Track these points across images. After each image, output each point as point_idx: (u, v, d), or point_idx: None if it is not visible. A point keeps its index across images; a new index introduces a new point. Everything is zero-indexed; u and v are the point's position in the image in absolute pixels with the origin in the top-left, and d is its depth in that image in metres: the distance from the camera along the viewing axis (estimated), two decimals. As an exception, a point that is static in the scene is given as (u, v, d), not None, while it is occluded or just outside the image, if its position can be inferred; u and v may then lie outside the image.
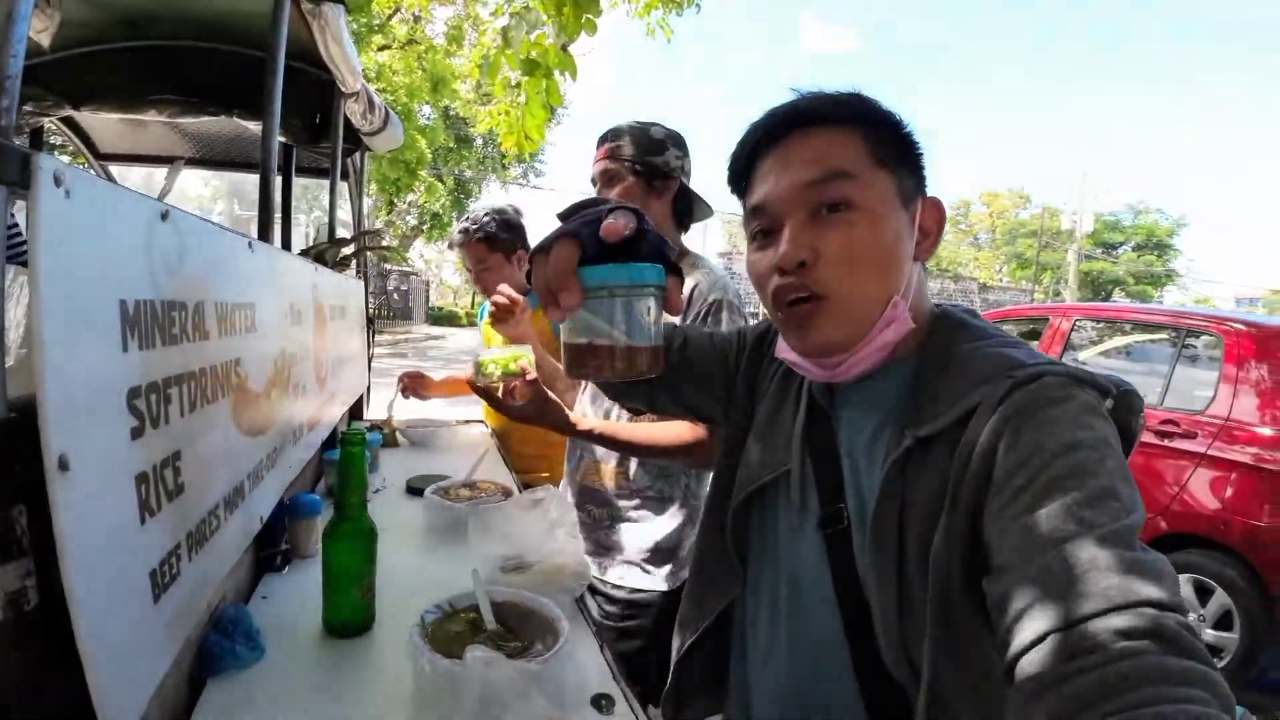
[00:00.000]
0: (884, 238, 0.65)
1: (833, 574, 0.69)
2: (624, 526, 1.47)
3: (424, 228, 21.74)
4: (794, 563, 0.73)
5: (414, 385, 2.43)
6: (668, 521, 1.47)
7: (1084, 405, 0.56)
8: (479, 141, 22.26)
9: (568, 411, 1.35)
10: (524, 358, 1.33)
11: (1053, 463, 0.52)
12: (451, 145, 20.81)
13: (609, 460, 1.50)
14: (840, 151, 0.66)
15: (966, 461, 0.58)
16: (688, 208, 1.53)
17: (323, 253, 1.70)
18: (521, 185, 25.26)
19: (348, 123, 2.20)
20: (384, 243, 1.98)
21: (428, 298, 27.85)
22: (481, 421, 2.50)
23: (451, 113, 19.41)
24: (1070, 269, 28.86)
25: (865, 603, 0.65)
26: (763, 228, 0.70)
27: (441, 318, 28.22)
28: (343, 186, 2.39)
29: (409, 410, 2.59)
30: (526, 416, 1.34)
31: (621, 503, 1.49)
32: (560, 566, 1.11)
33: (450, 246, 2.21)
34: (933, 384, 0.65)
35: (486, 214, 2.12)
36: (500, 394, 1.33)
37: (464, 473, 1.66)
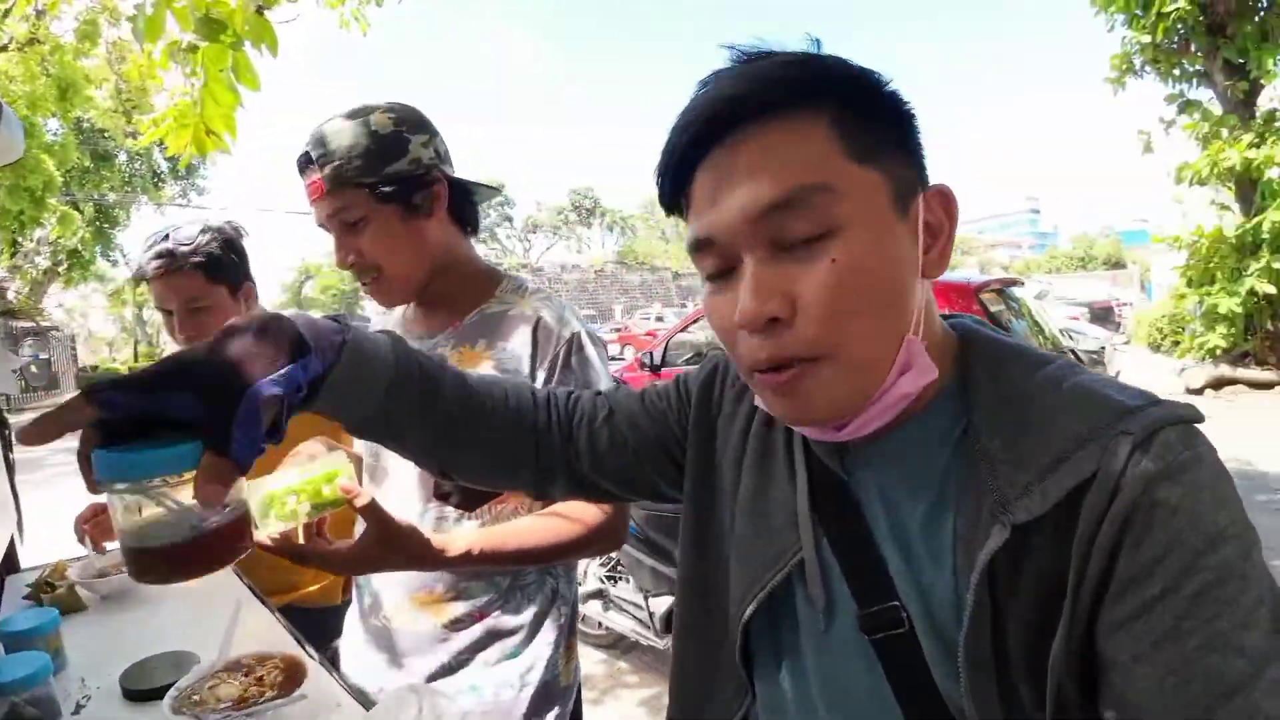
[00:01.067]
0: (882, 265, 0.51)
1: (896, 688, 0.55)
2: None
3: (60, 269, 17.62)
4: (830, 672, 0.59)
5: (106, 527, 1.65)
6: (532, 651, 1.09)
7: (1215, 470, 0.47)
8: (122, 157, 18.64)
9: (425, 534, 0.92)
10: (341, 472, 0.87)
11: (1196, 565, 0.44)
12: (88, 165, 17.22)
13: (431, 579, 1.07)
14: (802, 151, 0.50)
15: (1086, 555, 0.46)
16: (466, 202, 1.15)
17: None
18: (182, 206, 21.91)
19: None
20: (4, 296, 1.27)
21: (75, 357, 22.78)
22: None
23: (86, 124, 16.03)
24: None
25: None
26: (716, 268, 0.54)
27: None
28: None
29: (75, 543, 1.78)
30: (364, 563, 0.89)
31: (460, 637, 1.07)
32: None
33: (140, 280, 1.55)
34: (1009, 444, 0.51)
35: (203, 231, 1.52)
36: (305, 541, 0.88)
37: (208, 642, 1.10)
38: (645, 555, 2.91)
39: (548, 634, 1.08)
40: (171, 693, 0.92)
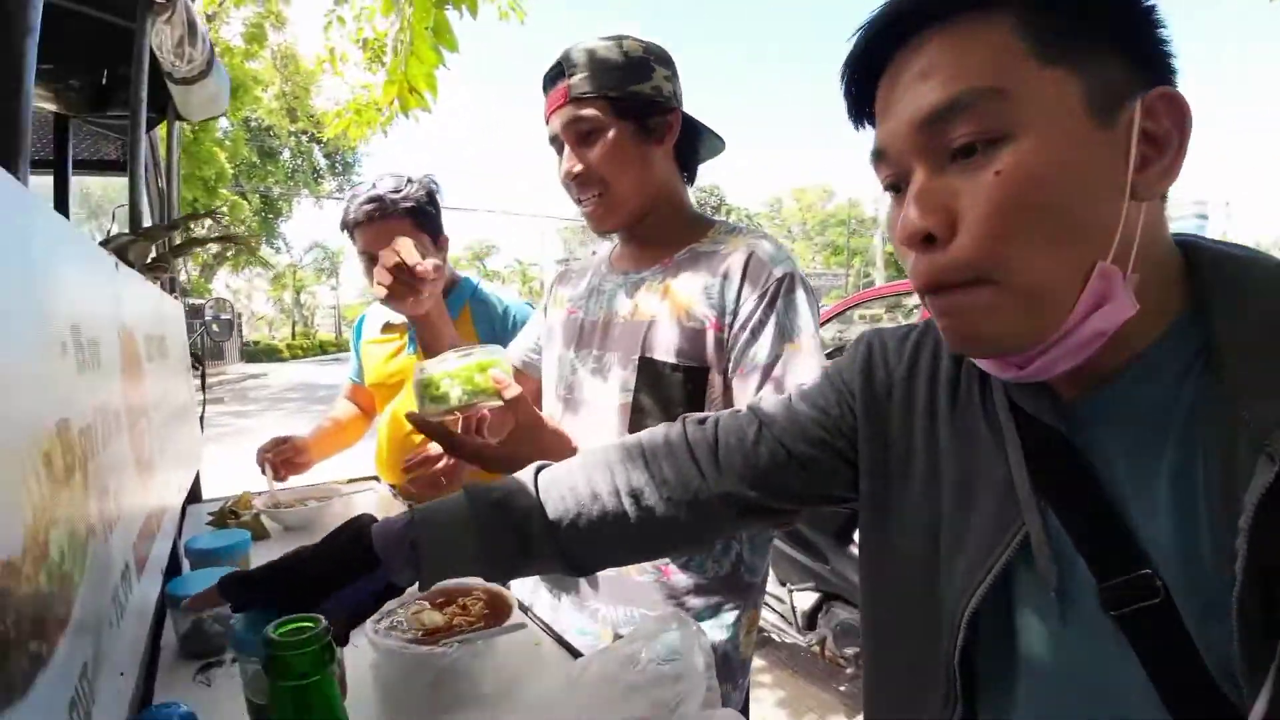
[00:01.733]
0: (1063, 179, 0.44)
1: (1152, 668, 0.46)
2: None
3: (228, 254, 19.46)
4: (1068, 664, 0.50)
5: (287, 458, 1.72)
6: (712, 618, 1.00)
7: None
8: (286, 154, 20.36)
9: (573, 442, 0.93)
10: (497, 364, 0.87)
11: None
12: (255, 160, 18.92)
13: None
14: (978, 52, 0.46)
15: None
16: (691, 148, 1.11)
17: (124, 249, 1.02)
18: (339, 199, 23.47)
19: (154, 71, 1.48)
20: (225, 231, 1.27)
21: (241, 334, 25.14)
22: (373, 478, 1.84)
23: (254, 123, 17.62)
24: (877, 251, 31.74)
25: (1224, 703, 0.44)
26: (890, 180, 0.52)
27: (258, 353, 25.61)
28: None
29: (258, 473, 1.84)
30: (513, 460, 0.83)
31: (641, 589, 1.01)
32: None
33: (347, 227, 1.60)
34: (1264, 370, 0.44)
35: (409, 182, 1.55)
36: (460, 430, 0.89)
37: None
38: (789, 546, 2.75)
39: (729, 601, 1.02)
40: (374, 617, 0.86)
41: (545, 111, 1.05)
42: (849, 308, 5.44)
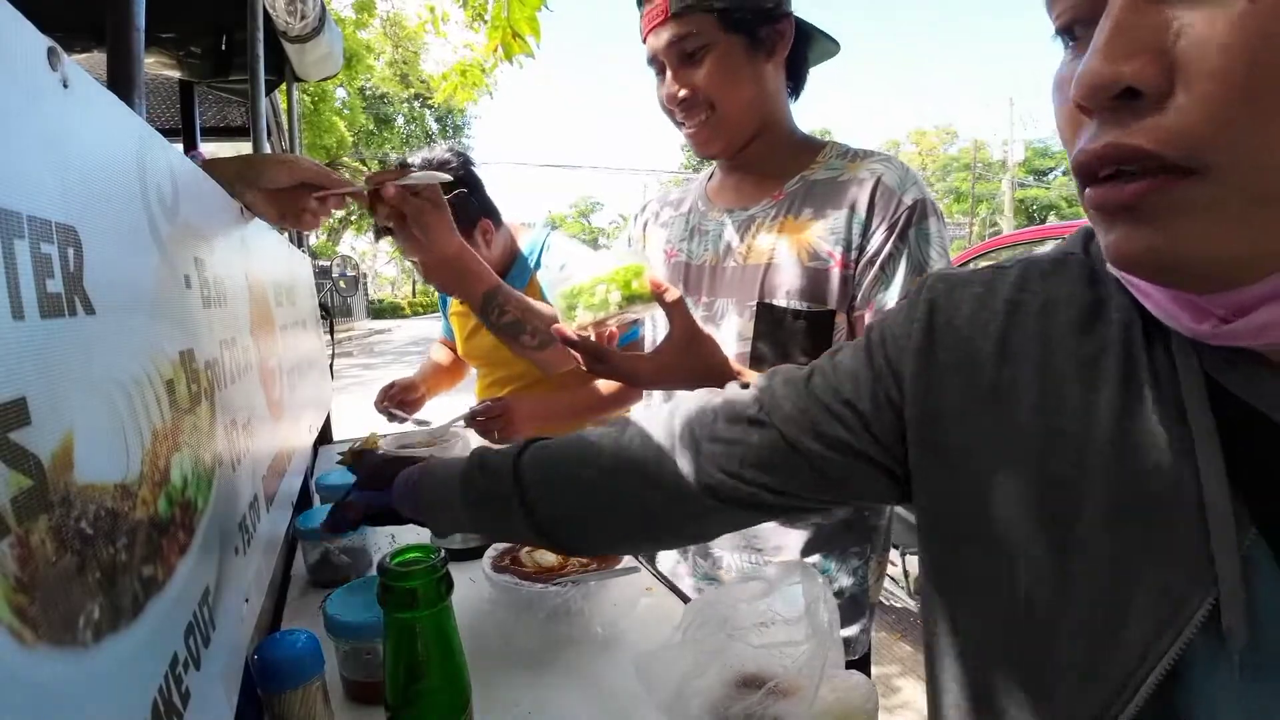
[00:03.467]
0: None
1: None
2: None
3: (352, 219, 20.67)
4: None
5: (403, 399, 1.79)
6: (840, 560, 0.96)
7: None
8: (400, 120, 21.21)
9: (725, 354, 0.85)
10: (645, 268, 0.79)
11: None
12: (371, 129, 19.81)
13: None
14: None
15: None
16: (800, 54, 0.98)
17: (249, 199, 1.06)
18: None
19: (269, 34, 1.52)
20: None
21: (366, 291, 26.80)
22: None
23: (368, 92, 18.43)
24: (1005, 198, 29.49)
25: None
26: (1068, 18, 0.34)
27: (383, 310, 27.25)
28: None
29: (382, 420, 1.93)
30: (664, 371, 0.80)
31: (768, 537, 0.96)
32: (847, 708, 0.54)
33: (379, 235, 1.60)
34: None
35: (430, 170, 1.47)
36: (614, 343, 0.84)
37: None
38: (903, 508, 2.62)
39: (856, 545, 0.97)
40: (490, 552, 0.87)
41: (642, 29, 0.96)
42: (973, 258, 5.06)
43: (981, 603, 0.43)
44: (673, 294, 0.79)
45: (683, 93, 0.93)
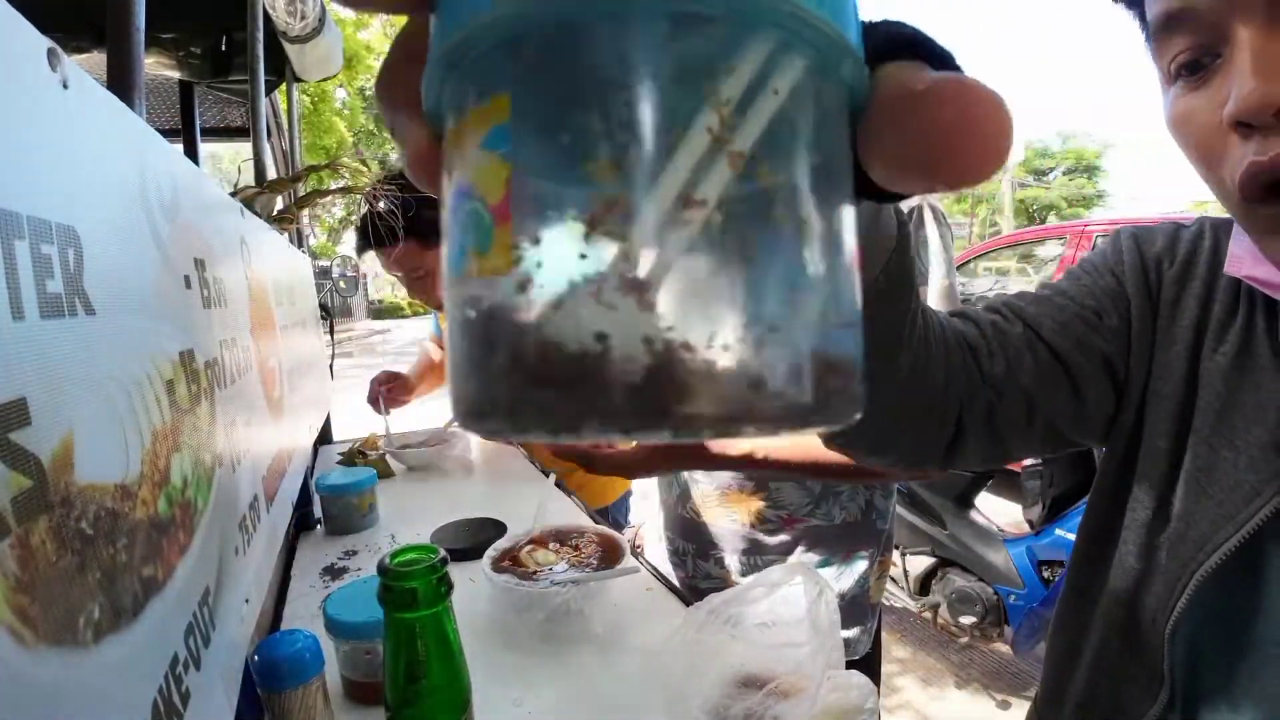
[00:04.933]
0: None
1: None
2: None
3: (353, 219, 20.72)
4: None
5: (394, 392, 1.79)
6: (842, 563, 0.96)
7: None
8: (401, 121, 21.34)
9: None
10: None
11: None
12: (372, 129, 19.81)
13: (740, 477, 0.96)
14: None
15: None
16: None
17: (251, 200, 1.06)
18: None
19: (269, 34, 1.52)
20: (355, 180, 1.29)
21: (366, 291, 26.79)
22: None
23: (368, 93, 18.45)
24: (1005, 198, 29.48)
25: None
26: (1191, 52, 0.40)
27: (383, 311, 27.23)
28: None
29: (381, 421, 1.94)
30: (648, 463, 0.87)
31: (770, 538, 0.95)
32: (846, 708, 0.54)
33: (360, 253, 1.60)
34: None
35: (404, 189, 1.45)
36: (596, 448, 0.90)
37: (512, 516, 1.07)
38: (905, 509, 2.63)
39: (860, 546, 0.97)
40: (490, 552, 0.87)
41: None
42: (974, 258, 5.05)
43: (1132, 483, 0.52)
44: None
45: None
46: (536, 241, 0.12)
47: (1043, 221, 31.44)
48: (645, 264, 0.12)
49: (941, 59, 0.17)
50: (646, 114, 0.12)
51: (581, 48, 0.12)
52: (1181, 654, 0.47)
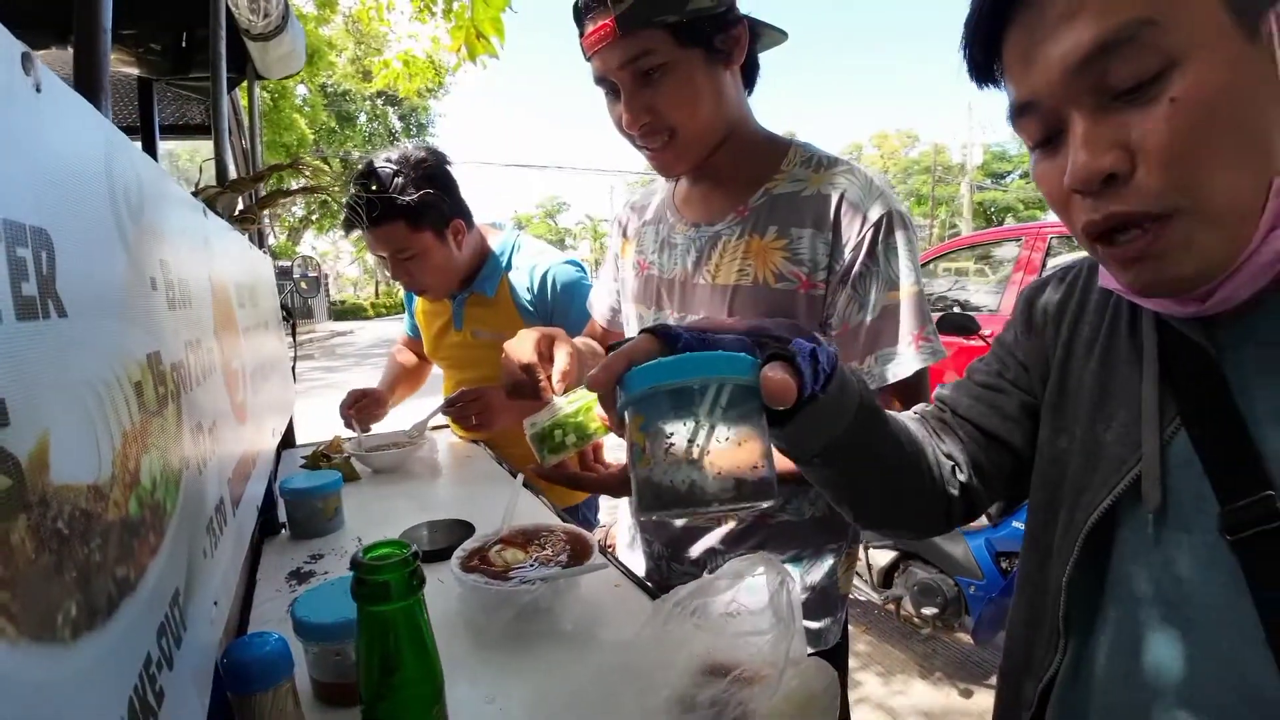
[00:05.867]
0: (1234, 98, 0.43)
1: (1260, 596, 0.45)
2: None
3: (313, 218, 20.28)
4: (1169, 589, 0.51)
5: (367, 410, 1.77)
6: (813, 555, 0.98)
7: None
8: (362, 118, 20.90)
9: None
10: (595, 404, 0.88)
11: None
12: (334, 126, 19.48)
13: None
14: None
15: None
16: (751, 56, 0.95)
17: (213, 199, 1.04)
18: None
19: (231, 31, 1.49)
20: (307, 182, 1.29)
21: (327, 292, 26.34)
22: (444, 426, 1.87)
23: (330, 89, 18.13)
24: (964, 200, 30.15)
25: None
26: (1041, 133, 0.50)
27: (345, 312, 26.81)
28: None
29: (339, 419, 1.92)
30: (624, 484, 0.88)
31: (744, 535, 0.98)
32: (809, 694, 0.56)
33: (349, 232, 1.57)
34: None
35: (402, 172, 1.42)
36: (581, 468, 0.93)
37: (479, 517, 1.08)
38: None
39: (829, 539, 0.99)
40: (458, 552, 0.87)
41: (584, 47, 0.89)
42: (934, 259, 5.15)
43: (1045, 471, 0.63)
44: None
45: (643, 120, 0.89)
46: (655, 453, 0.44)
47: (1000, 223, 32.18)
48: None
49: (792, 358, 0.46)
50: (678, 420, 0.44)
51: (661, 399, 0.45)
52: (1075, 606, 0.56)
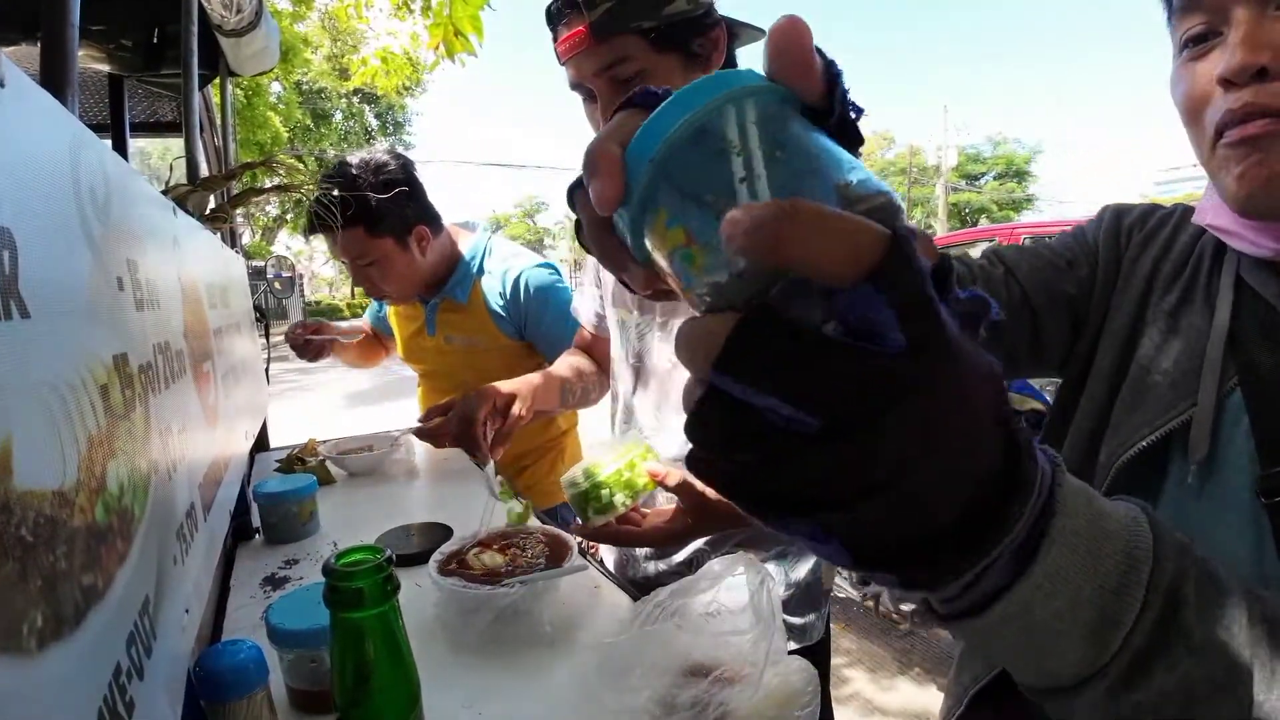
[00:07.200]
0: None
1: None
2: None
3: (287, 217, 20.01)
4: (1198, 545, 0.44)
5: (315, 333, 1.75)
6: (797, 552, 0.99)
7: None
8: (338, 116, 20.66)
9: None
10: (646, 454, 0.85)
11: None
12: (309, 124, 19.23)
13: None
14: None
15: None
16: (729, 57, 0.95)
17: (183, 198, 1.02)
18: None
19: (203, 27, 1.47)
20: (281, 180, 1.27)
21: (302, 292, 26.01)
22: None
23: (305, 86, 17.89)
24: (939, 202, 30.53)
25: None
26: (1198, 30, 0.51)
27: (320, 312, 26.51)
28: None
29: (321, 427, 1.89)
30: (682, 534, 0.85)
31: (731, 535, 0.99)
32: (789, 692, 0.56)
33: (309, 235, 1.54)
34: None
35: (356, 176, 1.39)
36: (625, 525, 0.88)
37: (457, 519, 1.07)
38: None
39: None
40: (436, 556, 0.86)
41: (558, 53, 0.87)
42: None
43: (1080, 402, 0.62)
44: (674, 479, 0.81)
45: None
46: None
47: (975, 224, 32.64)
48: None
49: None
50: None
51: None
52: None
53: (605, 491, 0.83)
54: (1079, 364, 0.64)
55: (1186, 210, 0.63)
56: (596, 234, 0.31)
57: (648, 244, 0.28)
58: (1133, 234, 0.66)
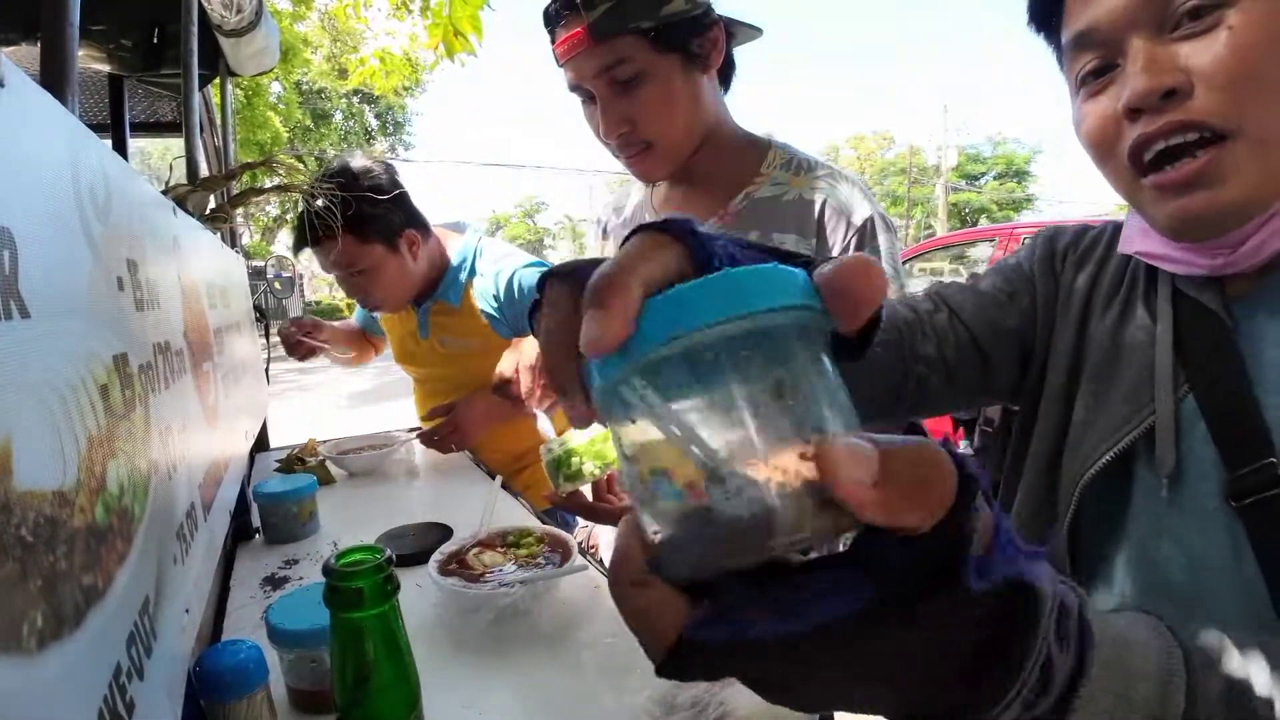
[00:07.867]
0: None
1: (1265, 561, 0.46)
2: None
3: (287, 217, 20.03)
4: (1174, 551, 0.52)
5: (306, 333, 1.73)
6: None
7: None
8: (338, 116, 20.67)
9: None
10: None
11: None
12: (309, 124, 19.23)
13: None
14: None
15: None
16: (728, 56, 0.94)
17: (183, 198, 1.02)
18: (391, 160, 23.72)
19: (204, 27, 1.47)
20: (280, 180, 1.26)
21: (302, 291, 26.03)
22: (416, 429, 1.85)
23: (305, 86, 17.90)
24: (939, 202, 30.55)
25: None
26: (1093, 65, 0.52)
27: (321, 312, 26.52)
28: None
29: (321, 427, 1.89)
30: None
31: None
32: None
33: (297, 251, 1.54)
34: None
35: (341, 181, 1.34)
36: (595, 498, 0.93)
37: (457, 519, 1.06)
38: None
39: None
40: (436, 555, 0.86)
41: (556, 54, 0.87)
42: (910, 259, 5.22)
43: (1036, 424, 0.63)
44: None
45: (621, 129, 0.88)
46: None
47: (974, 224, 32.63)
48: None
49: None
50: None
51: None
52: (1077, 550, 0.57)
53: (575, 459, 0.84)
54: (1031, 390, 0.65)
55: (1118, 227, 0.64)
56: (556, 350, 0.26)
57: (626, 414, 0.23)
58: (1068, 255, 0.66)
